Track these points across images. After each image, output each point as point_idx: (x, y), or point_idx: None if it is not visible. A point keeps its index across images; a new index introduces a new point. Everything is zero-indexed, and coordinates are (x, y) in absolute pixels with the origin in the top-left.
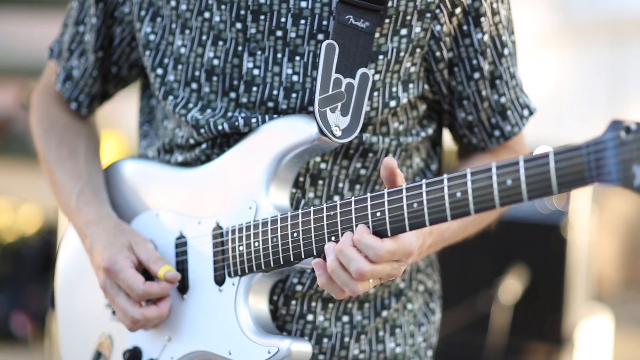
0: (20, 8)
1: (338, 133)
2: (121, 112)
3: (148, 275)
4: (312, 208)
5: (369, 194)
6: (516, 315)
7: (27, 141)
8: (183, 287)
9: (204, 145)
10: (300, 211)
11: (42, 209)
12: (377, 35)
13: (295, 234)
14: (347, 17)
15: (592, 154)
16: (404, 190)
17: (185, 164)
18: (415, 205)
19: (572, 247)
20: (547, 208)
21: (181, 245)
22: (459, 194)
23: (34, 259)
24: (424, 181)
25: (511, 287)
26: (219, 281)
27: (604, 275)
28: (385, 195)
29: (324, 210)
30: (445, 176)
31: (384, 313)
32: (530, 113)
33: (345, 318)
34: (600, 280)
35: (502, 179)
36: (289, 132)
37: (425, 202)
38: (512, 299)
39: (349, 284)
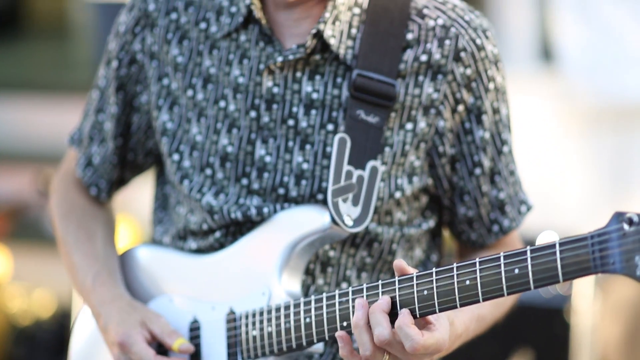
0: (35, 95)
1: (350, 223)
2: (135, 197)
3: (162, 350)
4: (324, 294)
5: (380, 281)
6: None
7: (42, 227)
8: None
9: (217, 234)
10: (312, 297)
11: (56, 293)
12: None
13: (307, 319)
14: (357, 112)
15: (596, 244)
16: (415, 278)
17: (199, 251)
18: (425, 292)
19: (576, 332)
20: (549, 292)
21: (195, 329)
22: (468, 282)
23: (48, 343)
24: (434, 269)
25: None
26: None
27: None
28: (397, 283)
29: (336, 296)
30: (455, 265)
31: None
32: (528, 209)
33: None
34: None
35: (510, 267)
36: (302, 221)
37: (435, 289)
38: None
39: (365, 345)
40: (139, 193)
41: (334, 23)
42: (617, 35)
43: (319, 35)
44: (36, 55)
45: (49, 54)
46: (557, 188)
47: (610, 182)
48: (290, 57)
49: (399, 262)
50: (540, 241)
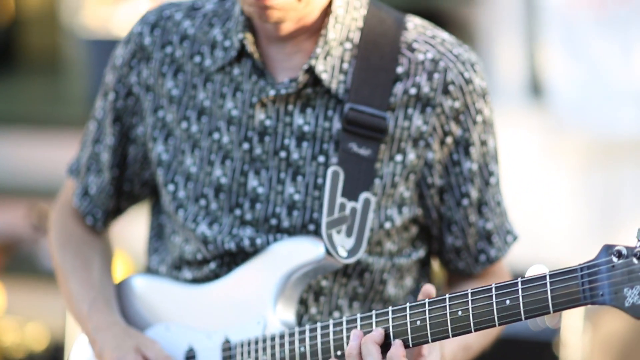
0: (28, 130)
1: (344, 254)
2: (126, 231)
3: None
4: (318, 324)
5: (374, 311)
6: None
7: (35, 261)
8: None
9: (212, 265)
10: (307, 327)
11: (49, 327)
12: None
13: (302, 349)
14: (349, 144)
15: (585, 276)
16: (408, 308)
17: (194, 281)
18: (418, 322)
19: None
20: (538, 326)
21: (191, 358)
22: (460, 313)
23: None
24: (427, 300)
25: None
26: None
27: None
28: (390, 313)
29: (331, 326)
30: (447, 295)
31: None
32: (514, 239)
33: None
34: None
35: (501, 299)
36: (297, 252)
37: (427, 319)
38: None
39: None
40: (130, 227)
41: (325, 58)
42: (606, 71)
43: (310, 70)
44: (29, 90)
45: (42, 89)
46: (547, 222)
47: (599, 217)
48: (283, 91)
49: (428, 288)
50: (529, 275)
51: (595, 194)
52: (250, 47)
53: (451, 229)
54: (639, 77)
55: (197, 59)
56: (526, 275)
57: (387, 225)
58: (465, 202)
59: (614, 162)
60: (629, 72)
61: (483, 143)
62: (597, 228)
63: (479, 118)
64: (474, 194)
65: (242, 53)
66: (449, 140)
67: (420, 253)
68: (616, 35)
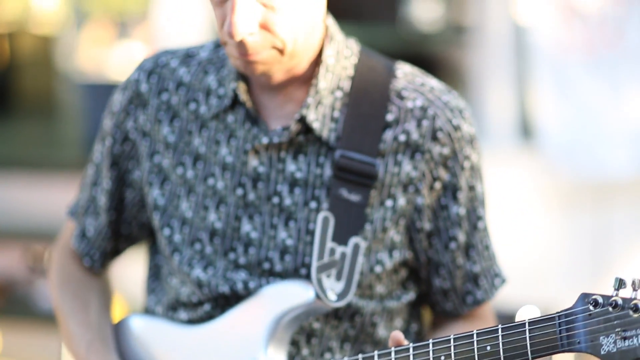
0: (23, 173)
1: (333, 297)
2: (122, 273)
3: None
4: None
5: (360, 355)
6: None
7: (31, 303)
8: None
9: (207, 307)
10: None
11: None
12: None
13: None
14: (340, 190)
15: (563, 324)
16: (393, 353)
17: (189, 322)
18: None
19: None
20: None
21: None
22: (443, 357)
23: None
24: (411, 345)
25: None
26: None
27: None
28: (376, 357)
29: None
30: (430, 341)
31: None
32: (502, 282)
33: None
34: None
35: (482, 345)
36: (288, 295)
37: None
38: None
39: None
40: (126, 269)
41: (316, 107)
42: (595, 113)
43: (302, 119)
44: (25, 133)
45: (37, 133)
46: (538, 263)
47: (590, 257)
48: (275, 139)
49: (397, 335)
50: (519, 315)
51: (585, 234)
52: (243, 96)
53: (439, 271)
54: (629, 118)
55: (193, 105)
56: (516, 316)
57: (378, 269)
58: (452, 245)
59: (604, 203)
60: (618, 114)
61: (471, 188)
62: (587, 268)
63: (466, 164)
64: (462, 237)
65: (236, 101)
66: (437, 185)
67: (411, 295)
68: (606, 77)
